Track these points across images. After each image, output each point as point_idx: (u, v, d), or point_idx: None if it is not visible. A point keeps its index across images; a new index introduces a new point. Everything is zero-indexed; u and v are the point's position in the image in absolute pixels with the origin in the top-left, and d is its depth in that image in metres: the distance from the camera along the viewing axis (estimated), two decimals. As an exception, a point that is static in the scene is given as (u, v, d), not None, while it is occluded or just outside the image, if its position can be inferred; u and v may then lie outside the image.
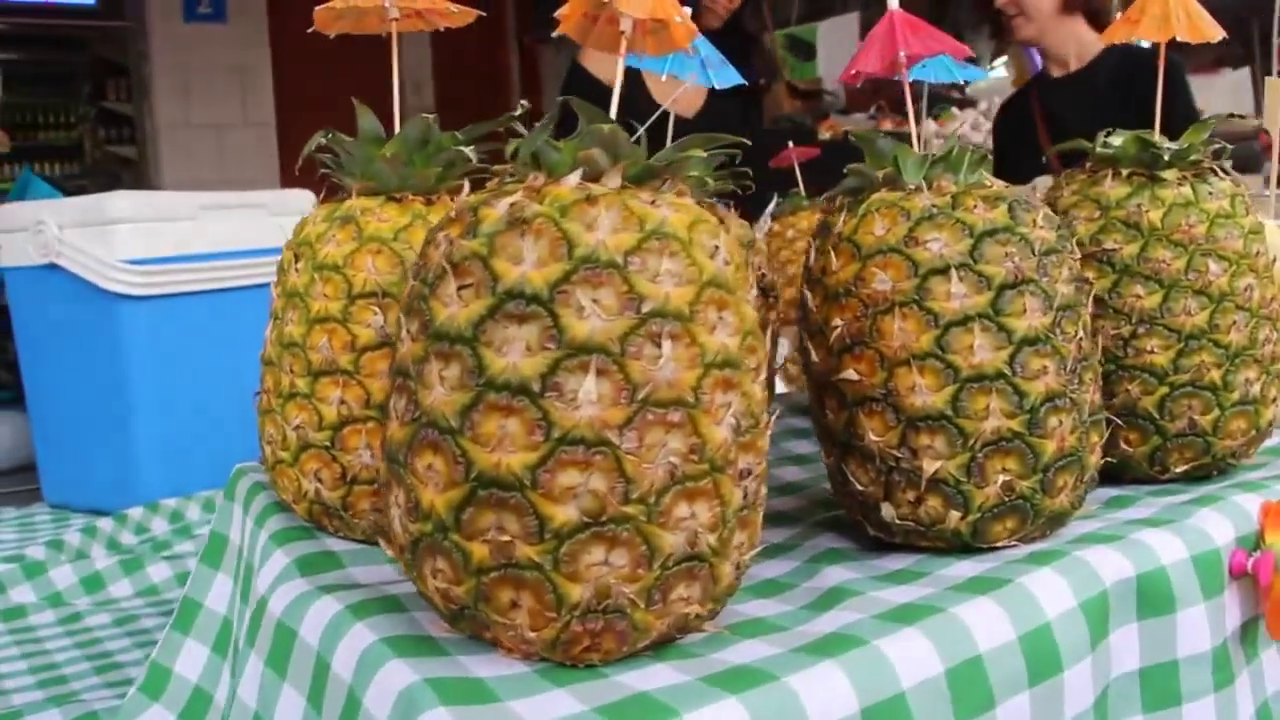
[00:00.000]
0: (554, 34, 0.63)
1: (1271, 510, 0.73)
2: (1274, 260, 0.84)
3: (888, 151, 0.71)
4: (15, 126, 4.96)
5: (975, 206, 0.67)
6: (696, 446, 0.50)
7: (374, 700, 0.51)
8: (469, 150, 0.73)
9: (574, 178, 0.53)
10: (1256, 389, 0.81)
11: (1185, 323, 0.79)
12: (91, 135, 5.32)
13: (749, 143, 0.58)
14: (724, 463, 0.52)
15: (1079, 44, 2.29)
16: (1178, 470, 0.81)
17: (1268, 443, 0.89)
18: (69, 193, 1.87)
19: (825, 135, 3.31)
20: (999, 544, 0.68)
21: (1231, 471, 0.84)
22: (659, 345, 0.50)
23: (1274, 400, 0.83)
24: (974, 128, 3.42)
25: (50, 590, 1.27)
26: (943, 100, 3.64)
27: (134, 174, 4.93)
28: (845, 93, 3.58)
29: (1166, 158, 0.79)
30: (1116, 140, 0.82)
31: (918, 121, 0.74)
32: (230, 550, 0.84)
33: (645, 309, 0.50)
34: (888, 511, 0.68)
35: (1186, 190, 0.80)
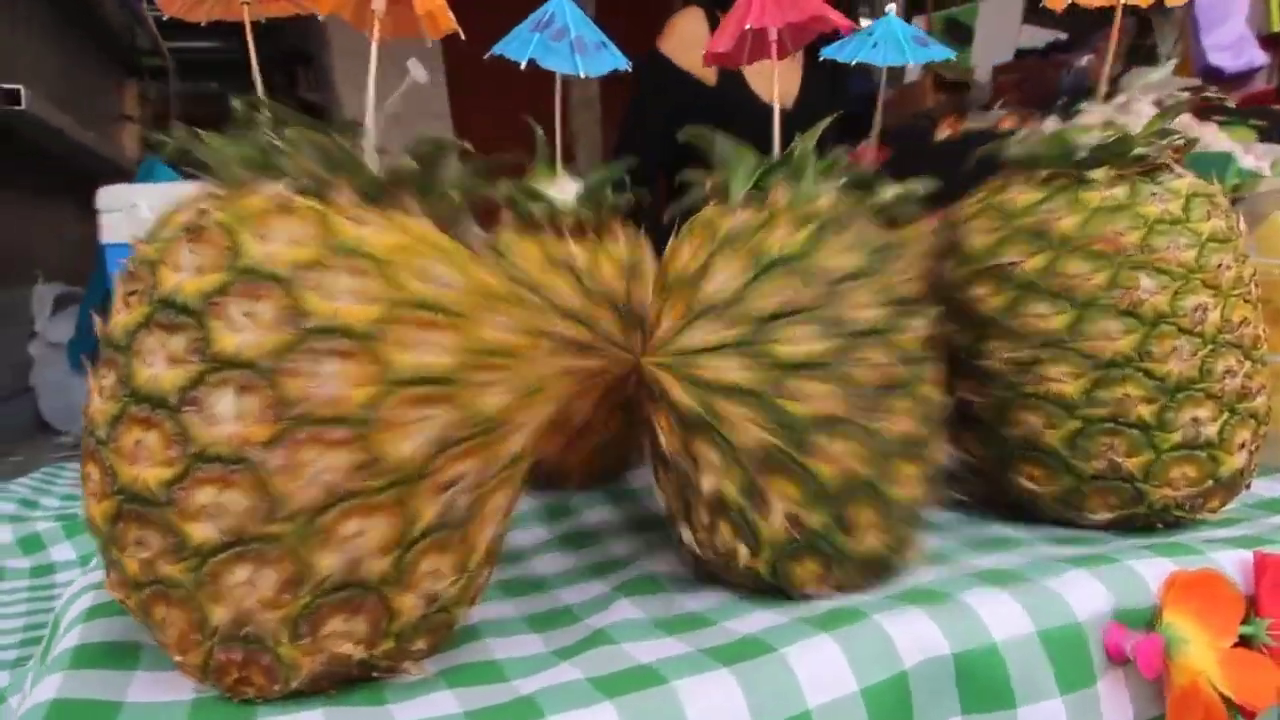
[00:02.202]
0: (320, 15, 0.61)
1: (1178, 583, 0.60)
2: (1253, 273, 0.69)
3: (726, 156, 0.63)
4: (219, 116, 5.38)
5: (778, 229, 0.58)
6: (366, 463, 0.46)
7: (27, 715, 0.50)
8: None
9: (276, 186, 0.50)
10: (1211, 431, 0.67)
11: (1104, 348, 0.66)
12: (286, 124, 5.71)
13: (472, 151, 0.53)
14: (415, 475, 0.47)
15: None
16: (1101, 516, 0.69)
17: (1256, 495, 0.74)
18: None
19: (945, 133, 2.98)
20: (809, 590, 0.59)
21: (1187, 526, 0.70)
22: (318, 363, 0.46)
23: (1243, 446, 0.68)
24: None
25: (86, 550, 1.36)
26: (1082, 94, 3.22)
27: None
28: (993, 85, 3.26)
29: (1081, 155, 0.67)
30: (1030, 138, 0.70)
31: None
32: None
33: (309, 325, 0.46)
34: (686, 534, 0.61)
35: (1119, 192, 0.67)
